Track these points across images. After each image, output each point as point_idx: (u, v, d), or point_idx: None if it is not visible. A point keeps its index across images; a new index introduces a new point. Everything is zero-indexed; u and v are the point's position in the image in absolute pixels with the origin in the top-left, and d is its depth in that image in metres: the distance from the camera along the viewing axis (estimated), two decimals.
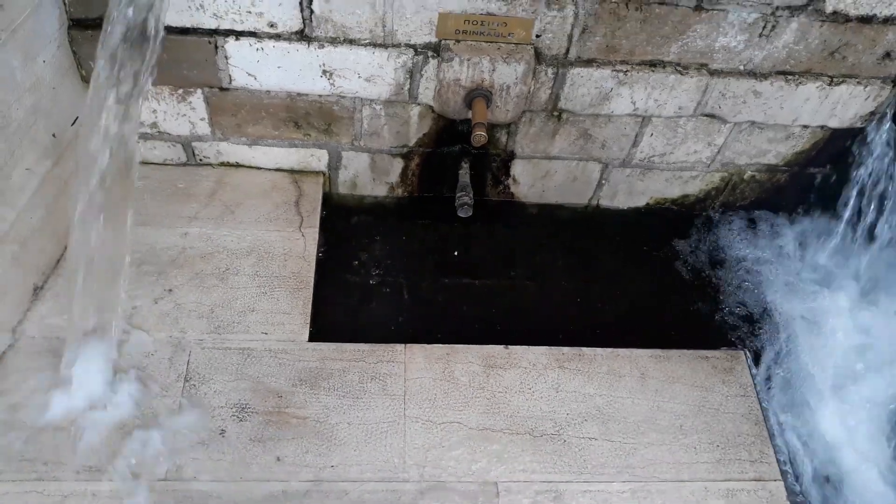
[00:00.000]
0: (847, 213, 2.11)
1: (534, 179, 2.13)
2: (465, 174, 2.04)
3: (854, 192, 2.08)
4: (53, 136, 1.70)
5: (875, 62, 1.82)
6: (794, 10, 1.68)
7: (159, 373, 1.65)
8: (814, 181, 2.18)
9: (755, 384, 1.79)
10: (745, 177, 2.15)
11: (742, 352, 1.85)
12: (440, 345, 1.77)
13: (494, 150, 2.03)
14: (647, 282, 2.14)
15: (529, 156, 2.05)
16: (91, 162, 1.48)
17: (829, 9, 1.68)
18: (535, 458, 1.60)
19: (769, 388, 1.92)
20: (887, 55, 1.80)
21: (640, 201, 2.23)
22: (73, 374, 1.59)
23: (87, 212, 1.50)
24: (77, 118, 1.77)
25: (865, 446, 1.92)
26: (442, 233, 2.19)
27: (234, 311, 1.76)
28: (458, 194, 1.99)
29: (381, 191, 2.17)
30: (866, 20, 1.71)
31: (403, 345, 1.75)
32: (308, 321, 1.76)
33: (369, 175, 2.11)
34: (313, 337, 1.76)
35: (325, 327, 1.84)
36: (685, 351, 1.83)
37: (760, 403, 1.76)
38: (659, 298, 2.10)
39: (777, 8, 1.67)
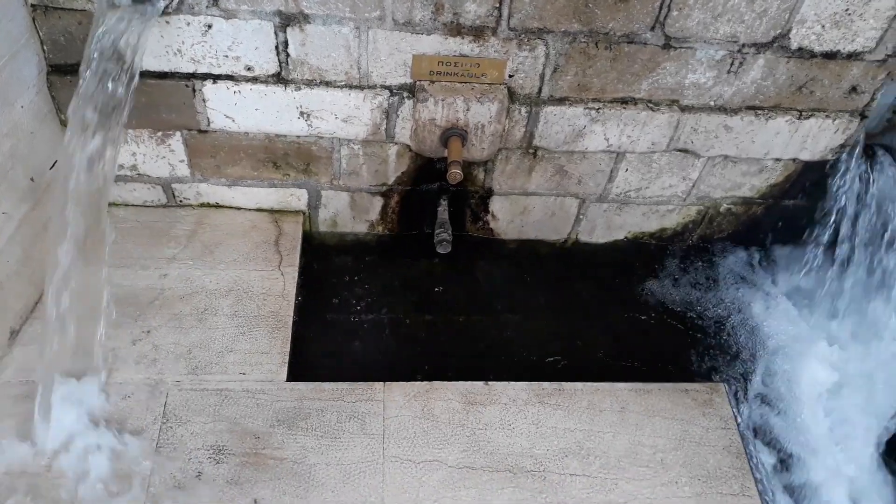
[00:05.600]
0: (822, 244, 2.14)
1: (512, 215, 2.15)
2: (443, 211, 2.06)
3: (828, 223, 2.11)
4: (31, 179, 1.70)
5: (842, 96, 1.86)
6: (760, 47, 1.72)
7: (136, 415, 1.64)
8: (789, 213, 2.20)
9: (736, 416, 1.79)
10: (722, 210, 2.18)
11: (722, 384, 1.85)
12: (419, 382, 1.77)
13: (472, 187, 2.05)
14: (627, 315, 2.15)
15: (507, 192, 2.07)
16: (67, 205, 1.49)
17: (794, 45, 1.73)
18: (516, 495, 1.59)
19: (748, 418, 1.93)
20: (853, 89, 1.84)
21: (619, 235, 2.25)
22: (48, 419, 1.58)
23: (63, 254, 1.51)
24: (56, 162, 1.78)
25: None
26: (423, 269, 2.20)
27: (212, 352, 1.75)
28: (437, 231, 2.00)
29: (361, 229, 2.19)
30: (830, 56, 1.76)
31: (382, 383, 1.75)
32: (286, 361, 1.75)
33: (349, 213, 2.12)
34: (292, 376, 1.75)
35: (304, 366, 1.84)
36: (665, 384, 1.82)
37: (741, 436, 1.76)
38: (638, 332, 2.11)
39: (743, 45, 1.71)
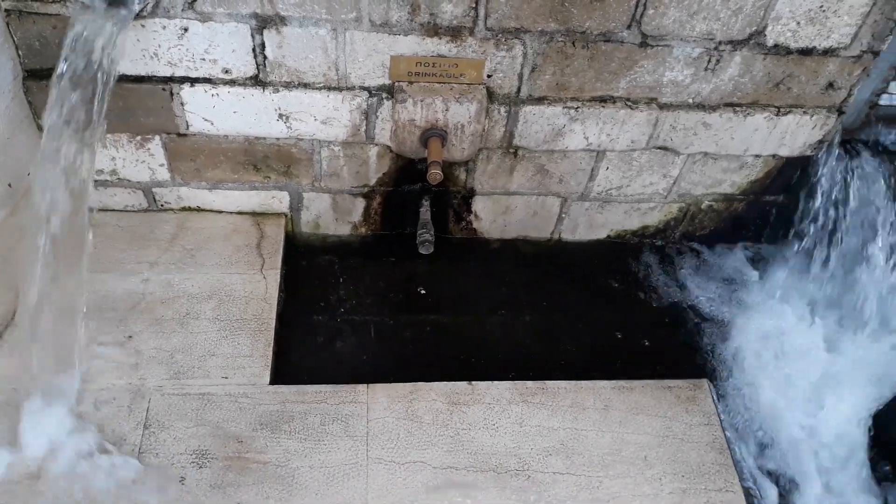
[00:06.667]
0: (803, 239, 2.15)
1: (495, 215, 2.15)
2: (425, 212, 2.06)
3: (808, 218, 2.11)
4: (9, 185, 1.70)
5: (819, 92, 1.87)
6: (736, 45, 1.73)
7: (118, 421, 1.63)
8: (770, 209, 2.21)
9: (718, 412, 1.80)
10: (703, 206, 2.19)
11: (704, 380, 1.86)
12: (403, 383, 1.77)
13: (454, 187, 2.05)
14: (611, 313, 2.15)
15: (489, 192, 2.07)
16: (45, 211, 1.48)
17: (770, 42, 1.74)
18: (501, 495, 1.59)
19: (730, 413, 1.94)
20: (830, 85, 1.85)
21: (601, 234, 2.26)
22: (30, 426, 1.57)
23: (41, 261, 1.50)
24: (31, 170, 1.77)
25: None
26: (406, 270, 2.20)
27: (194, 357, 1.75)
28: (419, 231, 2.00)
29: (344, 230, 2.18)
30: (807, 52, 1.77)
31: (366, 385, 1.75)
32: (269, 364, 1.75)
33: (332, 215, 2.12)
34: (275, 380, 1.75)
35: (288, 370, 1.83)
36: (648, 381, 1.83)
37: (724, 432, 1.77)
38: (622, 330, 2.11)
39: (720, 42, 1.72)
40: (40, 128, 1.78)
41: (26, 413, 1.57)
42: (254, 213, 2.09)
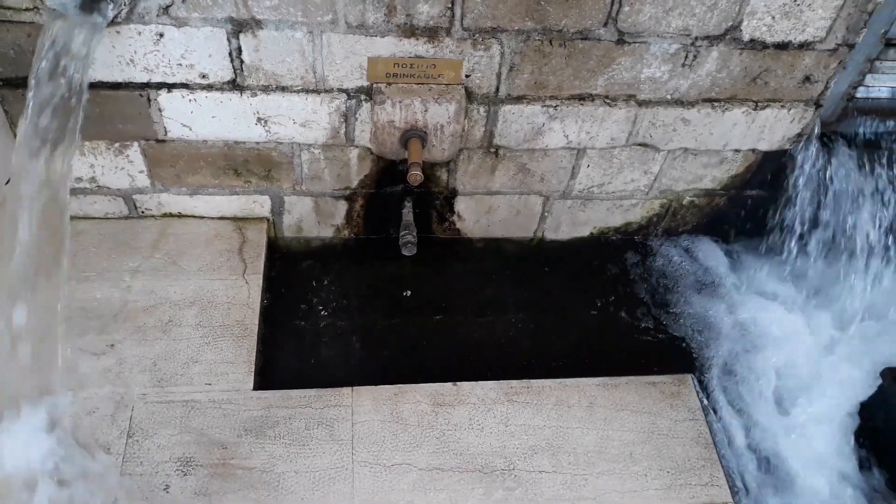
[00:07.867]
0: (784, 232, 2.16)
1: (478, 215, 2.15)
2: (408, 213, 2.05)
3: (790, 211, 2.13)
4: None
5: (796, 86, 1.88)
6: (712, 40, 1.74)
7: (102, 430, 1.62)
8: (752, 203, 2.22)
9: (703, 407, 1.80)
10: (685, 202, 2.20)
11: (689, 375, 1.87)
12: (388, 386, 1.77)
13: (437, 187, 2.05)
14: (595, 311, 2.15)
15: (471, 192, 2.07)
16: (22, 219, 1.47)
17: (746, 37, 1.74)
18: (487, 494, 1.59)
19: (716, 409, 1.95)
20: (807, 79, 1.86)
21: (584, 231, 2.26)
22: (9, 439, 1.56)
23: (19, 270, 1.49)
24: (9, 179, 1.75)
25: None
26: (390, 272, 2.20)
27: (177, 364, 1.74)
28: (402, 233, 2.00)
29: (327, 233, 2.18)
30: (783, 46, 1.77)
31: (350, 388, 1.75)
32: (253, 369, 1.75)
33: (314, 218, 2.11)
34: (259, 385, 1.75)
35: (272, 375, 1.83)
36: (632, 378, 1.84)
37: (709, 426, 1.77)
38: (607, 327, 2.11)
39: (696, 38, 1.73)
40: (16, 137, 1.76)
41: (5, 424, 1.55)
42: (235, 218, 2.08)
